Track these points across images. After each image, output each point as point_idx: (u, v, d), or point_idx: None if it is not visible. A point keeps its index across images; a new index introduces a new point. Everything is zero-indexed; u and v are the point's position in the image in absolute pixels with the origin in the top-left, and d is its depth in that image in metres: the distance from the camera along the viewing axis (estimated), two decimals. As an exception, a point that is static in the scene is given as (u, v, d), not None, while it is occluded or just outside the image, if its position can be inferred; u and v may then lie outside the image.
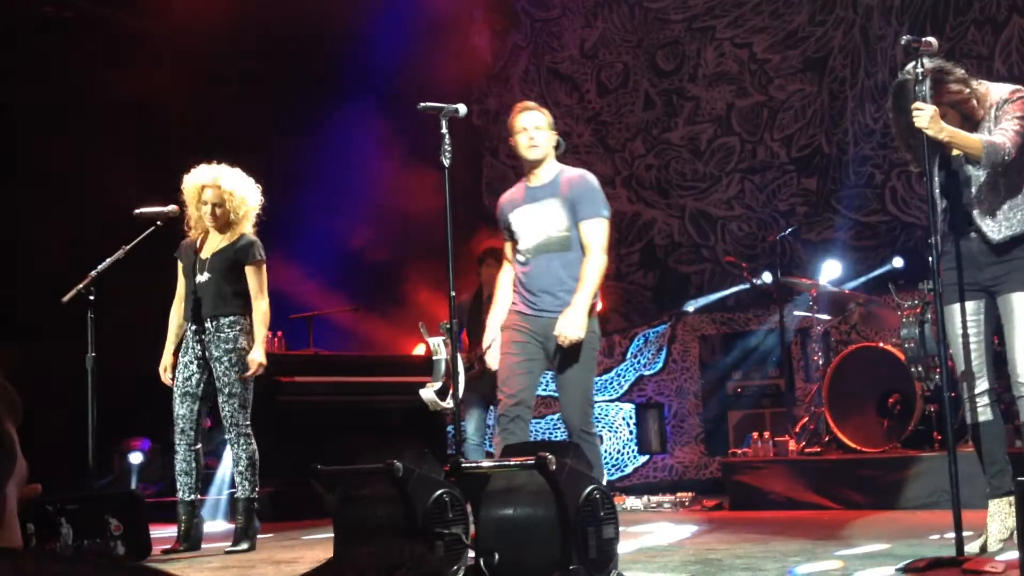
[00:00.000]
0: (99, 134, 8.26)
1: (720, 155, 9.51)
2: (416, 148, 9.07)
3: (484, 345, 4.96)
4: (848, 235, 8.82)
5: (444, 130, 4.36)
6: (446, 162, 4.35)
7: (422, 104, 4.42)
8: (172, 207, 5.77)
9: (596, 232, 4.66)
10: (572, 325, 4.51)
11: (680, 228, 9.65)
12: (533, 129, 4.74)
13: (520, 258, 4.80)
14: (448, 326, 4.40)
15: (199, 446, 5.69)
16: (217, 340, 5.64)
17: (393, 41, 9.91)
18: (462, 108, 4.42)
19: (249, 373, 5.65)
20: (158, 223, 5.77)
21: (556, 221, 4.70)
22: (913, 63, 4.05)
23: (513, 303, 4.83)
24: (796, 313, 7.99)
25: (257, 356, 5.66)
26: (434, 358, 4.58)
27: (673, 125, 9.76)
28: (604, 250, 4.68)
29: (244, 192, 5.76)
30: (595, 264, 4.63)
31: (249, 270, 5.73)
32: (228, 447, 5.84)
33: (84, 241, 6.35)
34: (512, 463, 3.84)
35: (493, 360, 4.89)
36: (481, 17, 10.78)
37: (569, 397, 4.66)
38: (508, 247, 4.95)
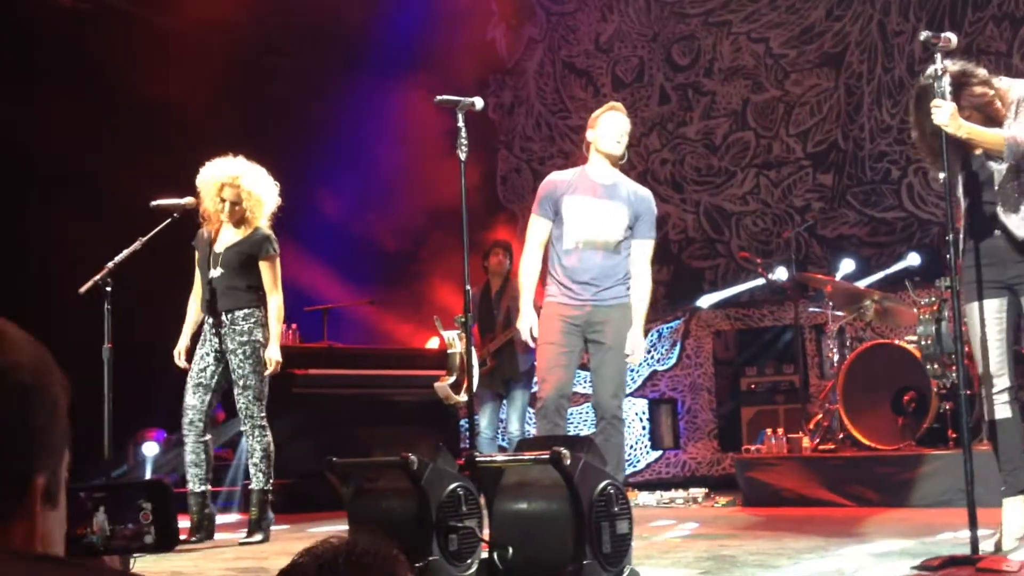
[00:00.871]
0: (116, 126, 8.27)
1: (735, 150, 9.49)
2: (433, 141, 9.08)
3: (524, 328, 4.95)
4: (864, 231, 8.78)
5: (460, 123, 4.36)
6: (462, 155, 4.35)
7: (439, 98, 4.42)
8: (189, 199, 5.77)
9: (648, 253, 5.04)
10: (640, 346, 4.93)
11: (695, 223, 9.62)
12: (621, 133, 4.98)
13: (568, 244, 4.90)
14: (463, 320, 4.41)
15: (208, 437, 5.70)
16: (232, 333, 5.65)
17: (410, 34, 9.91)
18: (479, 102, 4.43)
19: (268, 372, 5.67)
20: (175, 215, 5.77)
21: (619, 224, 4.91)
22: (934, 65, 4.00)
23: (550, 294, 4.89)
24: (811, 309, 7.97)
25: (273, 354, 5.68)
26: (448, 352, 4.59)
27: (688, 120, 9.74)
28: (650, 270, 5.08)
29: (262, 192, 5.75)
30: (649, 285, 5.04)
31: (263, 264, 5.73)
32: (243, 439, 5.85)
33: (100, 233, 6.36)
34: (526, 457, 3.85)
35: (529, 342, 4.98)
36: (497, 11, 10.78)
37: (604, 382, 4.84)
38: (544, 226, 4.97)
